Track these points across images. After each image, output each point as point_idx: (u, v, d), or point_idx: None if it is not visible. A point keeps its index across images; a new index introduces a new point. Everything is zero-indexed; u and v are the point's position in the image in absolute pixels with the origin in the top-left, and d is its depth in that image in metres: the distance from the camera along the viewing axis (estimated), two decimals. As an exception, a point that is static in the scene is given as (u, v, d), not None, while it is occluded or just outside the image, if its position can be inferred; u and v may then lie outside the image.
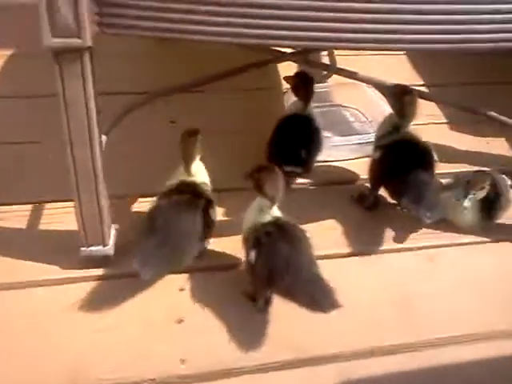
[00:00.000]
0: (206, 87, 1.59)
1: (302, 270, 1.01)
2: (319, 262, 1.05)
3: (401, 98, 1.26)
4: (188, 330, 1.07)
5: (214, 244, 1.22)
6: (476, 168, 1.45)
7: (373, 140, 1.36)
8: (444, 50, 0.95)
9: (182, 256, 1.08)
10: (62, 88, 0.92)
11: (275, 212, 1.07)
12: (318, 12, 0.88)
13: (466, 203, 1.22)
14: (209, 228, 1.13)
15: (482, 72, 1.92)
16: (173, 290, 1.13)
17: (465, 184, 1.24)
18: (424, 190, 1.19)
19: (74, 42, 0.87)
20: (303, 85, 1.38)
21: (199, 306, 1.11)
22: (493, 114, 1.43)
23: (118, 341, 1.04)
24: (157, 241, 1.04)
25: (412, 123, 1.30)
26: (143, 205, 1.25)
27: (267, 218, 1.06)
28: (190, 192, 1.11)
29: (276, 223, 1.05)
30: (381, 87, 1.43)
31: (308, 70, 1.44)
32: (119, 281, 1.14)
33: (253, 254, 1.03)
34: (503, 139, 1.62)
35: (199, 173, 1.15)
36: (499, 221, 1.31)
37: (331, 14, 0.88)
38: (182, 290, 1.14)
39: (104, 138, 1.13)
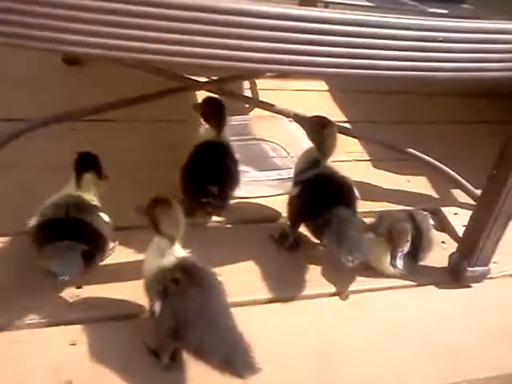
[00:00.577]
0: (116, 116, 1.48)
1: (215, 323, 0.88)
2: (233, 309, 0.94)
3: (320, 129, 1.20)
4: (77, 395, 0.90)
5: (113, 290, 1.08)
6: (397, 207, 1.42)
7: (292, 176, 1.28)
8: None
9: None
10: None
11: (178, 252, 0.94)
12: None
13: (399, 263, 1.14)
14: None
15: (404, 111, 1.93)
16: (61, 345, 0.97)
17: (387, 237, 1.16)
18: (346, 230, 1.10)
19: None
20: (214, 111, 1.29)
21: (92, 363, 0.95)
22: (413, 151, 1.40)
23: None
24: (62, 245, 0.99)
25: (333, 159, 1.24)
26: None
27: (170, 261, 0.93)
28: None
29: (183, 267, 0.92)
30: (301, 120, 1.37)
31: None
32: (-6, 335, 0.96)
33: (157, 305, 0.90)
34: (424, 177, 1.60)
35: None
36: (423, 263, 1.26)
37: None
38: (72, 344, 0.97)
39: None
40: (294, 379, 0.99)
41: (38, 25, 0.72)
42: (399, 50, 0.85)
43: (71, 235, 1.01)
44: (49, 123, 1.26)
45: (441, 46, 0.86)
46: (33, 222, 1.05)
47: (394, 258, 1.14)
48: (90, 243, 1.02)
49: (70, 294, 1.06)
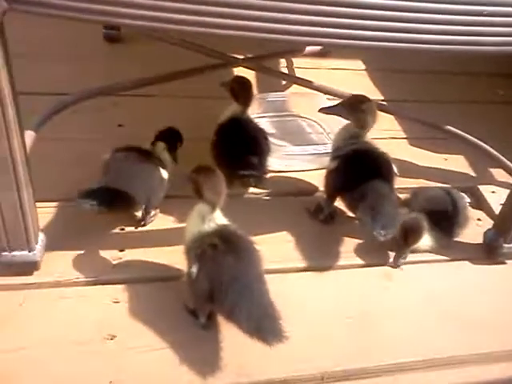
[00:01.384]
0: (155, 91, 1.52)
1: (248, 290, 0.90)
2: (269, 276, 0.97)
3: (358, 106, 1.21)
4: (120, 348, 0.95)
5: (153, 254, 1.12)
6: (434, 184, 1.42)
7: (329, 151, 1.29)
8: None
9: (125, 201, 1.10)
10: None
11: (219, 219, 0.97)
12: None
13: (400, 263, 1.18)
14: (157, 186, 1.15)
15: (442, 91, 1.90)
16: (105, 302, 1.02)
17: (401, 235, 1.17)
18: (382, 205, 1.11)
19: None
20: (242, 89, 1.33)
21: (134, 320, 1.00)
22: (453, 129, 1.39)
23: (40, 359, 0.91)
24: (104, 181, 1.09)
25: (370, 136, 1.25)
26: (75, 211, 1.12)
27: (211, 227, 0.96)
28: (144, 151, 1.18)
29: (222, 233, 0.95)
30: (338, 97, 1.38)
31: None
32: (45, 291, 1.02)
33: (194, 268, 0.93)
34: (461, 156, 1.59)
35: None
36: (458, 239, 1.26)
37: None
38: (116, 302, 1.02)
39: (30, 133, 1.02)
40: (328, 346, 1.01)
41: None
42: (442, 24, 0.85)
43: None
44: (92, 96, 1.30)
45: (485, 20, 0.86)
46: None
47: (399, 256, 1.17)
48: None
49: (113, 256, 1.11)
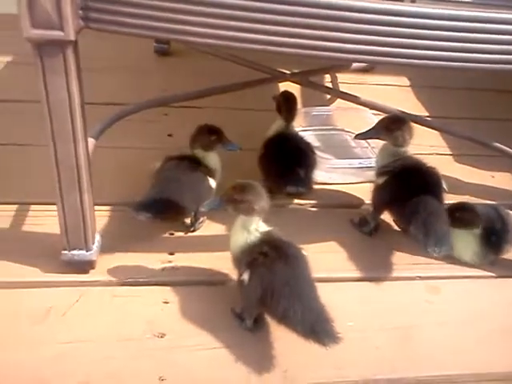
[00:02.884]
0: (203, 104, 1.57)
1: (302, 294, 0.93)
2: (317, 284, 0.98)
3: (393, 127, 1.22)
4: (169, 346, 0.99)
5: (201, 259, 1.16)
6: (481, 201, 1.41)
7: (373, 165, 1.31)
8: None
9: (176, 210, 1.14)
10: (44, 83, 0.87)
11: (262, 227, 1.00)
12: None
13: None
14: (205, 194, 1.17)
15: (484, 108, 1.90)
16: (156, 302, 1.06)
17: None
18: (434, 221, 1.11)
19: (56, 34, 0.82)
20: (286, 103, 1.36)
21: (183, 320, 1.03)
22: (500, 146, 1.39)
23: (91, 354, 0.96)
24: (155, 190, 1.14)
25: (414, 152, 1.26)
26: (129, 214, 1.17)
27: (256, 236, 0.98)
28: (193, 159, 1.21)
29: (269, 241, 0.98)
30: (384, 112, 1.39)
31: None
32: (100, 288, 1.07)
33: (246, 275, 0.96)
34: (508, 174, 1.57)
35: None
36: (505, 256, 1.25)
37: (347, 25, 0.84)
38: (165, 302, 1.07)
39: (91, 140, 1.08)
40: (372, 354, 1.03)
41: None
42: (490, 44, 0.87)
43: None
44: (150, 106, 1.37)
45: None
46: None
47: None
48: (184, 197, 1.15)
49: (163, 259, 1.15)
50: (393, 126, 1.22)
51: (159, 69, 1.90)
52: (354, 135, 1.57)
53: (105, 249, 1.12)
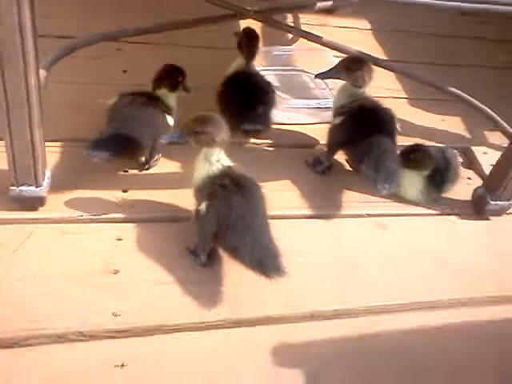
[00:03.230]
0: (158, 40, 1.52)
1: (254, 228, 0.96)
2: (271, 221, 1.02)
3: (354, 68, 1.23)
4: (122, 282, 1.00)
5: (155, 196, 1.16)
6: (430, 143, 1.45)
7: (331, 106, 1.32)
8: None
9: (133, 147, 1.13)
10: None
11: (224, 161, 1.01)
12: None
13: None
14: (163, 132, 1.16)
15: (444, 53, 1.91)
16: (109, 239, 1.07)
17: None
18: (385, 159, 1.15)
19: None
20: (247, 40, 1.34)
21: (136, 257, 1.05)
22: (454, 90, 1.41)
23: (45, 290, 0.96)
24: (112, 127, 1.12)
25: (373, 94, 1.28)
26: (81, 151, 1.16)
27: (218, 168, 1.00)
28: (150, 96, 1.19)
29: (230, 175, 1.00)
30: (346, 53, 1.39)
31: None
32: (50, 226, 1.06)
33: (204, 205, 0.98)
34: (458, 118, 1.62)
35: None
36: (447, 195, 1.32)
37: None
38: (119, 239, 1.07)
39: (43, 72, 1.04)
40: (319, 287, 1.08)
41: None
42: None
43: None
44: (101, 40, 1.30)
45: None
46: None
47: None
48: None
49: (116, 196, 1.15)
50: (353, 66, 1.23)
51: (118, 2, 1.81)
52: (313, 76, 1.58)
53: (56, 185, 1.10)
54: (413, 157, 1.25)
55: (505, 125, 1.29)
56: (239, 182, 0.99)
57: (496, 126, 1.31)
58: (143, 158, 1.22)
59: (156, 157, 1.23)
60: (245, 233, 0.95)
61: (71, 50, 1.20)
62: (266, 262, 0.93)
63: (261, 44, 1.56)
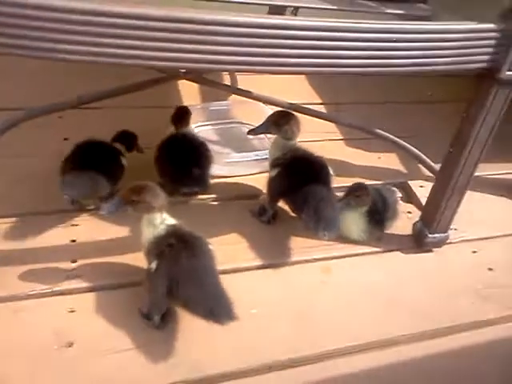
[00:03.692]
0: (102, 104, 1.54)
1: (203, 281, 1.00)
2: (222, 275, 1.05)
3: (282, 123, 1.30)
4: (78, 355, 1.01)
5: (103, 264, 1.18)
6: (369, 182, 1.53)
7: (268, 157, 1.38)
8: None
9: (97, 186, 1.24)
10: None
11: (168, 220, 1.06)
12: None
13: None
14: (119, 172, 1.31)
15: (374, 92, 2.04)
16: (61, 312, 1.07)
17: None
18: (323, 207, 1.21)
19: None
20: (177, 119, 1.42)
21: (90, 327, 1.05)
22: (379, 131, 1.49)
23: (1, 369, 0.95)
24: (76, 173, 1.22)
25: (310, 139, 1.36)
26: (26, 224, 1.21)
27: (163, 229, 1.05)
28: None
29: (176, 233, 1.04)
30: (276, 105, 1.46)
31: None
32: (2, 305, 1.06)
33: (154, 264, 1.01)
34: (394, 154, 1.71)
35: None
36: (389, 231, 1.38)
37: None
38: (71, 311, 1.08)
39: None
40: (274, 337, 1.10)
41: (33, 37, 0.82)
42: (359, 50, 0.95)
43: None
44: (44, 113, 1.33)
45: (395, 46, 0.97)
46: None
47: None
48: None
49: (66, 267, 1.15)
50: (281, 121, 1.30)
51: (54, 68, 1.84)
52: (250, 128, 1.65)
53: (3, 262, 1.11)
54: (355, 195, 1.30)
55: (428, 160, 1.37)
56: (185, 239, 1.03)
57: (421, 163, 1.40)
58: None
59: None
60: (195, 287, 0.99)
61: (11, 126, 1.21)
62: (216, 311, 0.97)
63: (198, 101, 1.64)
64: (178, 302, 1.03)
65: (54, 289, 1.10)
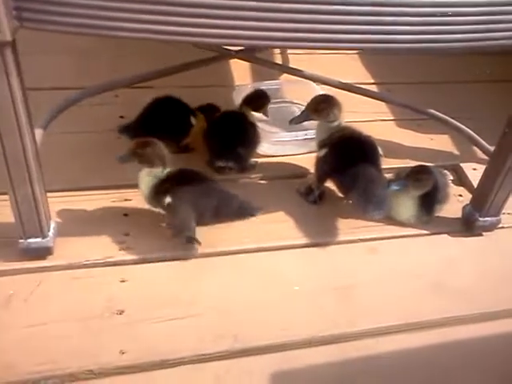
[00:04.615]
0: (155, 83, 1.59)
1: (219, 195, 1.20)
2: (267, 253, 1.18)
3: (321, 108, 1.30)
4: (128, 321, 1.06)
5: (155, 237, 1.22)
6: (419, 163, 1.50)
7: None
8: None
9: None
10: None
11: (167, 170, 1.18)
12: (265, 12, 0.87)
13: (395, 186, 1.25)
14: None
15: (429, 72, 1.98)
16: (114, 281, 1.13)
17: (404, 176, 1.27)
18: (373, 187, 1.21)
19: None
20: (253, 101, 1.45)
21: (140, 296, 1.10)
22: (433, 111, 1.47)
23: (54, 334, 1.02)
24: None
25: (360, 119, 1.35)
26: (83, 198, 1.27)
27: (163, 175, 1.17)
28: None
29: (175, 173, 1.18)
30: (328, 84, 1.46)
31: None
32: (59, 273, 1.13)
33: (168, 198, 1.15)
34: (446, 136, 1.67)
35: None
36: (438, 214, 1.36)
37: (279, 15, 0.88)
38: (123, 281, 1.13)
39: (39, 131, 1.11)
40: (316, 314, 1.12)
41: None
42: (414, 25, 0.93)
43: None
44: (97, 93, 1.39)
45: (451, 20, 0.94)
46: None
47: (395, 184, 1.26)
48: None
49: (118, 239, 1.21)
50: (320, 106, 1.30)
51: (105, 48, 1.90)
52: (300, 107, 1.65)
53: (61, 234, 1.16)
54: (415, 178, 1.26)
55: (482, 142, 1.33)
56: (190, 174, 1.19)
57: (474, 144, 1.36)
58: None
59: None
60: (213, 197, 1.20)
61: (68, 106, 1.28)
62: (242, 209, 1.22)
63: (248, 80, 1.65)
64: (209, 220, 1.19)
65: (107, 259, 1.16)
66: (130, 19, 0.87)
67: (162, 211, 1.19)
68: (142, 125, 1.38)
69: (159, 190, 1.16)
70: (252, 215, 1.20)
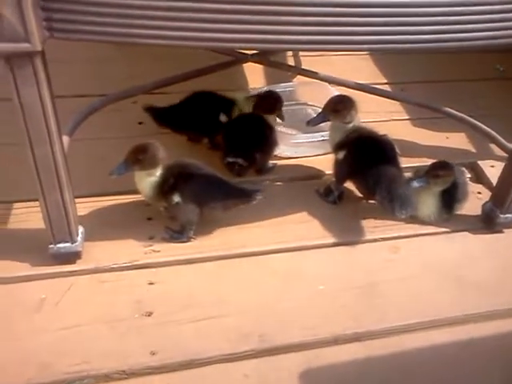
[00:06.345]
0: (171, 89, 1.62)
1: (221, 184, 1.22)
2: (290, 253, 1.20)
3: (338, 108, 1.31)
4: (157, 322, 1.08)
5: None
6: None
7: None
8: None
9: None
10: (17, 92, 0.93)
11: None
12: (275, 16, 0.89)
13: (416, 183, 1.26)
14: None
15: (442, 70, 1.99)
16: (141, 284, 1.15)
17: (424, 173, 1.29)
18: (396, 186, 1.22)
19: (23, 46, 0.87)
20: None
21: (168, 298, 1.13)
22: (449, 110, 1.48)
23: (87, 336, 1.05)
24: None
25: (374, 119, 1.35)
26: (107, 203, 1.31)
27: (162, 173, 1.19)
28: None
29: (172, 167, 1.19)
30: (341, 85, 1.48)
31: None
32: (88, 276, 1.16)
33: (176, 196, 1.17)
34: (463, 134, 1.68)
35: None
36: (460, 213, 1.37)
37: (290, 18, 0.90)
38: (150, 283, 1.16)
39: (66, 138, 1.14)
40: (339, 312, 1.14)
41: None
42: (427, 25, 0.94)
43: None
44: (122, 97, 1.42)
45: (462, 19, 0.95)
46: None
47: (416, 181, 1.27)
48: None
49: (144, 243, 1.24)
50: (338, 107, 1.31)
51: (122, 55, 1.93)
52: (316, 109, 1.67)
53: (89, 238, 1.19)
54: (435, 174, 1.28)
55: (500, 139, 1.34)
56: (190, 167, 1.20)
57: (492, 142, 1.37)
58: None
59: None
60: (217, 187, 1.22)
61: (90, 113, 1.31)
62: (246, 191, 1.24)
63: (263, 83, 1.67)
64: (219, 209, 1.21)
65: (134, 262, 1.19)
66: (152, 26, 0.89)
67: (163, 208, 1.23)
68: (173, 113, 1.45)
69: (164, 188, 1.18)
70: (254, 198, 1.20)
